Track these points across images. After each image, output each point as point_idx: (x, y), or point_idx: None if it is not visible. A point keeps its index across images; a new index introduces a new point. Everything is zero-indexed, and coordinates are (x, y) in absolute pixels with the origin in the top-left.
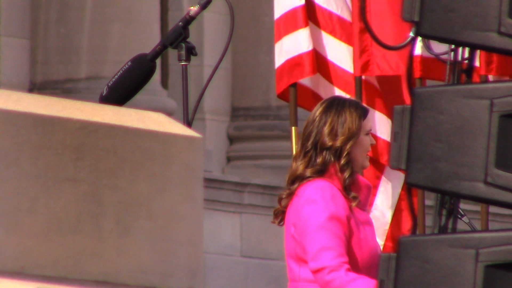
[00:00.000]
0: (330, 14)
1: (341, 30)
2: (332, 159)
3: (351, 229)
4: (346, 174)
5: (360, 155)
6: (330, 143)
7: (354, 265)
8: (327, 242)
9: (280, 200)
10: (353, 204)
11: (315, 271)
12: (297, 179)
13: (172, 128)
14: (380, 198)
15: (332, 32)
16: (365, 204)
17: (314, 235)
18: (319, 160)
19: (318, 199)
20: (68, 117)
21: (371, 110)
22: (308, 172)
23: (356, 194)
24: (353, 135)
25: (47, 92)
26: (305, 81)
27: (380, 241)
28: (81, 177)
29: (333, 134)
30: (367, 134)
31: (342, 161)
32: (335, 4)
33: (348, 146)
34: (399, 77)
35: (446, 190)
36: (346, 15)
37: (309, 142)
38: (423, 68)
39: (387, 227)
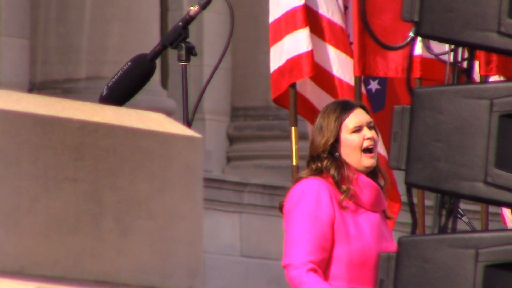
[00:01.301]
0: (320, 16)
1: (330, 33)
2: (319, 164)
3: (336, 227)
4: (332, 172)
5: (350, 153)
6: (315, 149)
7: (341, 262)
8: (297, 239)
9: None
10: (342, 197)
11: (284, 266)
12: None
13: (172, 128)
14: None
15: (321, 35)
16: (373, 204)
17: (291, 230)
18: (314, 167)
19: (301, 195)
20: (68, 117)
21: None
22: (304, 175)
23: (353, 191)
24: (329, 138)
25: (47, 92)
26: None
27: None
28: (81, 177)
29: (315, 140)
30: (354, 132)
31: (324, 163)
32: (326, 7)
33: (326, 148)
34: (398, 79)
35: (446, 190)
36: (337, 19)
37: (308, 153)
38: (423, 68)
39: None
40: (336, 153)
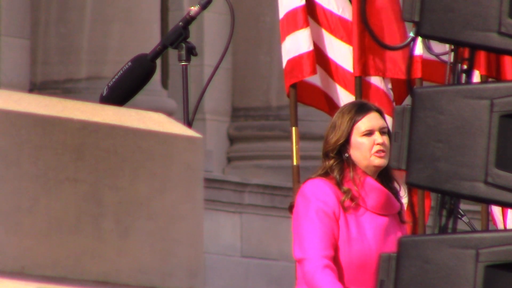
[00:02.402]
0: (331, 14)
1: (342, 30)
2: (327, 163)
3: (339, 226)
4: (335, 173)
5: (360, 156)
6: (326, 147)
7: (339, 263)
8: (310, 235)
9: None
10: (343, 198)
11: (298, 260)
12: None
13: (173, 128)
14: None
15: (333, 32)
16: (381, 207)
17: (301, 227)
18: (322, 167)
19: (308, 194)
20: (68, 117)
21: None
22: (313, 176)
23: (356, 193)
24: (340, 137)
25: (47, 92)
26: (315, 80)
27: None
28: (82, 177)
29: (327, 138)
30: (365, 135)
31: (330, 162)
32: (336, 4)
33: (336, 147)
34: (398, 79)
35: (446, 190)
36: (348, 15)
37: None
38: (424, 69)
39: None
40: (346, 154)
